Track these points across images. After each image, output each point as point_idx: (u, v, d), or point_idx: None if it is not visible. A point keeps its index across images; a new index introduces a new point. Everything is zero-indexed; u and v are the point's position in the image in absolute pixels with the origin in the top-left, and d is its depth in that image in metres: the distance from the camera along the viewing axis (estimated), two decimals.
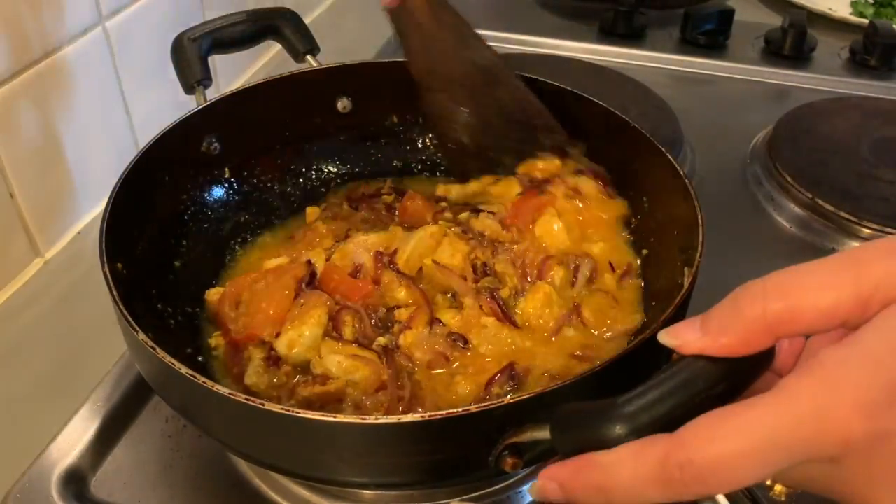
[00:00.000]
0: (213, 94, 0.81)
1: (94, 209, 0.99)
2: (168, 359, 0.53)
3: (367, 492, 0.68)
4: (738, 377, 0.40)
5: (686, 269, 0.63)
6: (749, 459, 0.35)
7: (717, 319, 0.39)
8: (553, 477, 0.41)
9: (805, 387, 0.36)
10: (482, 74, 0.82)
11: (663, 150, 0.72)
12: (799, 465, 0.36)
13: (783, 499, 0.64)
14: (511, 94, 0.82)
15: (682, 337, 0.40)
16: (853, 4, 1.53)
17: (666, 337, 0.41)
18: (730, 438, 0.36)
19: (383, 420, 0.49)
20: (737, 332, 0.38)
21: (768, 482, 0.44)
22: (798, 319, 0.37)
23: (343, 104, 0.89)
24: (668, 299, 0.69)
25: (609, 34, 1.41)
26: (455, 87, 0.82)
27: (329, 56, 0.89)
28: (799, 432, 0.35)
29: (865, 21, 1.39)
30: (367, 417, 0.50)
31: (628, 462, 0.38)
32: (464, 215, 0.79)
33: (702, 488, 0.36)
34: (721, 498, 0.67)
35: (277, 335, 0.67)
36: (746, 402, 0.36)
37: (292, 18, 0.88)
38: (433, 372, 0.66)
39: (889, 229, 0.94)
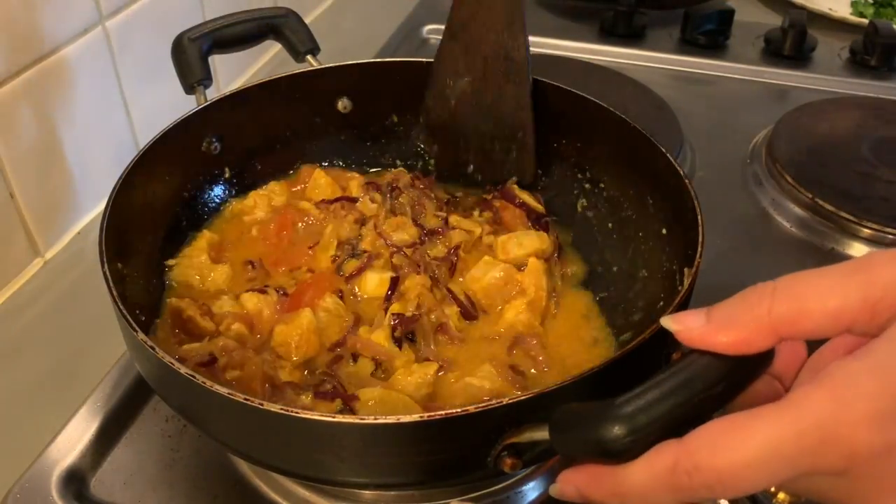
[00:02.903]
0: (213, 94, 0.82)
1: (94, 209, 0.99)
2: (167, 359, 0.53)
3: (367, 492, 0.68)
4: (736, 378, 0.40)
5: (686, 269, 0.63)
6: (753, 469, 0.36)
7: (723, 313, 0.40)
8: (570, 481, 0.42)
9: (813, 399, 0.36)
10: (505, 64, 0.81)
11: (663, 149, 0.72)
12: (806, 476, 0.36)
13: None
14: (516, 97, 0.82)
15: (685, 323, 0.40)
16: (853, 4, 1.53)
17: (669, 321, 0.41)
18: (735, 448, 0.36)
19: (382, 420, 0.49)
20: (741, 329, 0.39)
21: (772, 489, 0.45)
22: (803, 321, 0.38)
23: (343, 104, 0.89)
24: (668, 300, 0.69)
25: (609, 34, 1.41)
26: (475, 54, 0.82)
27: (329, 56, 0.89)
28: (803, 444, 0.35)
29: (865, 21, 1.39)
30: (366, 417, 0.50)
31: (640, 468, 0.39)
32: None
33: (709, 493, 0.37)
34: (722, 500, 0.67)
35: None
36: (754, 411, 0.37)
37: (292, 18, 0.88)
38: None
39: (889, 229, 0.94)
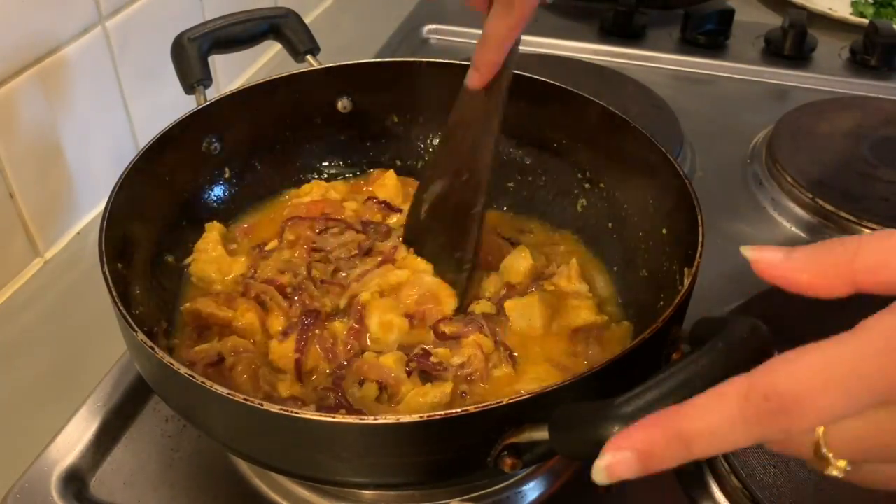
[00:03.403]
0: (213, 94, 0.82)
1: (94, 209, 0.99)
2: (167, 359, 0.53)
3: (367, 492, 0.68)
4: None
5: (686, 269, 0.63)
6: (831, 389, 0.35)
7: (806, 253, 0.39)
8: (623, 443, 0.38)
9: (885, 322, 0.36)
10: (470, 166, 0.74)
11: (663, 149, 0.72)
12: (881, 407, 0.36)
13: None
14: (467, 208, 0.74)
15: (764, 254, 0.40)
16: (853, 4, 1.53)
17: (748, 250, 0.40)
18: (813, 367, 0.35)
19: (382, 420, 0.49)
20: (823, 271, 0.38)
21: (830, 453, 0.42)
22: (883, 272, 0.38)
23: (343, 104, 0.89)
24: (668, 300, 0.69)
25: (609, 34, 1.41)
26: (456, 155, 0.75)
27: (329, 56, 0.89)
28: (880, 364, 0.35)
29: (865, 21, 1.39)
30: (366, 417, 0.51)
31: (709, 399, 0.37)
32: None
33: (786, 421, 0.35)
34: (721, 498, 0.67)
35: None
36: (825, 340, 0.36)
37: (292, 18, 0.88)
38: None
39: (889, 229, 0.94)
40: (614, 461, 0.37)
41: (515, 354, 0.70)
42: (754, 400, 0.35)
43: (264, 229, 0.84)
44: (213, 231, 0.79)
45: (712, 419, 0.36)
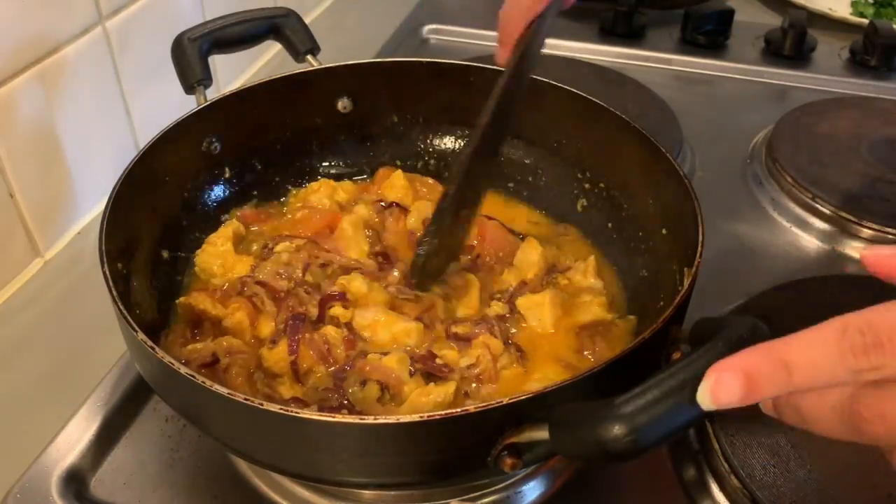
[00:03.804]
0: (213, 94, 0.82)
1: (94, 209, 0.99)
2: (167, 359, 0.53)
3: (367, 492, 0.68)
4: None
5: (686, 269, 0.63)
6: None
7: None
8: (728, 366, 0.39)
9: None
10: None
11: (663, 149, 0.72)
12: None
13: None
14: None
15: (873, 250, 0.42)
16: (853, 4, 1.53)
17: (862, 248, 0.43)
18: None
19: (382, 420, 0.49)
20: None
21: None
22: None
23: (343, 104, 0.89)
24: (668, 300, 0.69)
25: (609, 34, 1.41)
26: None
27: (329, 56, 0.89)
28: None
29: (865, 21, 1.39)
30: (366, 417, 0.51)
31: (808, 334, 0.39)
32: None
33: (879, 356, 0.37)
34: (721, 498, 0.67)
35: None
36: None
37: (292, 18, 0.88)
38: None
39: (889, 229, 0.94)
40: (719, 384, 0.39)
41: (526, 353, 0.70)
42: (851, 334, 0.37)
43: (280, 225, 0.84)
44: (229, 227, 0.80)
45: (812, 351, 0.38)
